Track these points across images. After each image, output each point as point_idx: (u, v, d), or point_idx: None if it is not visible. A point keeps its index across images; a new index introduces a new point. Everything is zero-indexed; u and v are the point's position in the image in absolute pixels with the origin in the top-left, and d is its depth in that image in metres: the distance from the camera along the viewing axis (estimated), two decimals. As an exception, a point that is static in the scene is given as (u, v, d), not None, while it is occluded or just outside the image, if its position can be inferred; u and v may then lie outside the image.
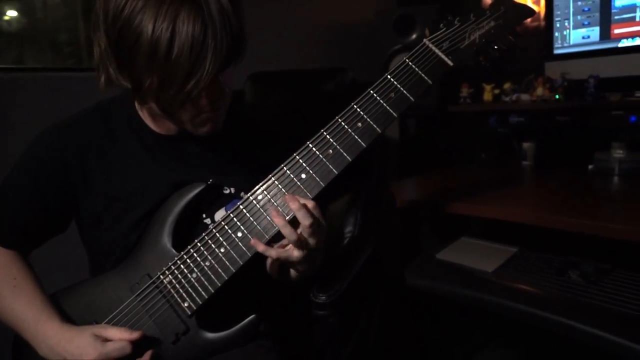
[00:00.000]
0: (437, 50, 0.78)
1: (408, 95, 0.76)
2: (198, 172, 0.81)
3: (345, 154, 0.75)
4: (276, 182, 0.75)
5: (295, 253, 0.72)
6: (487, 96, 1.76)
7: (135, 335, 0.72)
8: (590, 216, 1.03)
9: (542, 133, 1.70)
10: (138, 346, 0.73)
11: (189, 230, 0.79)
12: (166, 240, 0.77)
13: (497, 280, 0.93)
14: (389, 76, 0.78)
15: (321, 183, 0.75)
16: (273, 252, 0.72)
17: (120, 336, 0.72)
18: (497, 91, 1.75)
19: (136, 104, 0.81)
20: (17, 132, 1.31)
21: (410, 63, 0.78)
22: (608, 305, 0.84)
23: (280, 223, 0.71)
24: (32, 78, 1.43)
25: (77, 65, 1.65)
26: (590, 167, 1.57)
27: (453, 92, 1.81)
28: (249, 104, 1.48)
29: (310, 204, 0.72)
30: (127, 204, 0.78)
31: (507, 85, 1.72)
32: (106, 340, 0.72)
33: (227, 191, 0.83)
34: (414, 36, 1.95)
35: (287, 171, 0.75)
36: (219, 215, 0.82)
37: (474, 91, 1.79)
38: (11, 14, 1.48)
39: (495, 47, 0.82)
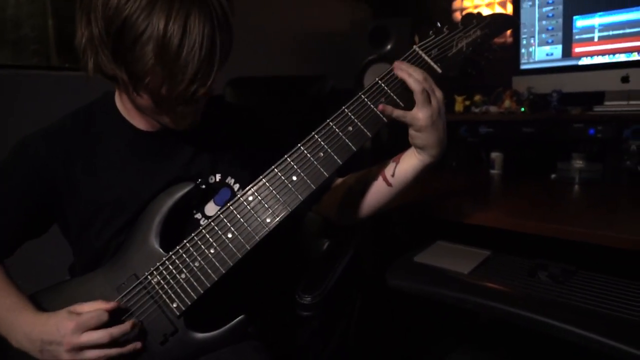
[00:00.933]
0: (426, 57, 0.81)
1: (398, 100, 0.79)
2: (184, 166, 0.80)
3: (336, 157, 0.77)
4: (267, 183, 0.76)
5: (420, 114, 0.74)
6: (458, 107, 1.83)
7: (110, 305, 0.71)
8: (556, 221, 1.10)
9: (509, 143, 1.79)
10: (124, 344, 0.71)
11: (178, 226, 0.78)
12: (154, 241, 0.76)
13: (473, 281, 0.97)
14: (379, 81, 0.80)
15: (312, 185, 0.76)
16: (399, 112, 0.74)
17: (94, 307, 0.70)
18: (467, 102, 1.83)
19: (117, 101, 0.80)
20: None
21: None
22: (575, 303, 0.90)
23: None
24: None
25: (45, 64, 1.59)
26: (552, 176, 1.66)
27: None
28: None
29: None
30: (115, 207, 0.77)
31: (477, 97, 1.80)
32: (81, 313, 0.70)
33: (213, 180, 0.82)
34: (388, 47, 2.01)
35: (278, 173, 0.76)
36: (209, 208, 0.82)
37: (446, 102, 1.85)
38: None
39: (482, 55, 0.86)
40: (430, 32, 0.82)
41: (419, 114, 0.75)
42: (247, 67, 1.62)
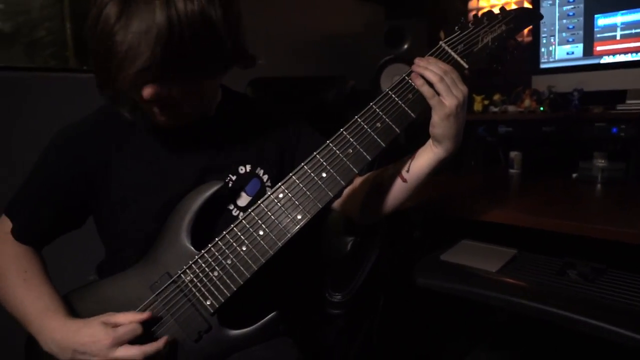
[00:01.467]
0: (452, 53, 0.82)
1: (432, 89, 0.80)
2: (212, 157, 0.81)
3: (365, 154, 0.78)
4: (297, 180, 0.77)
5: (446, 101, 0.75)
6: (477, 107, 1.83)
7: (144, 315, 0.72)
8: (583, 219, 1.09)
9: (529, 143, 1.78)
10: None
11: (211, 218, 0.80)
12: (185, 239, 0.77)
13: (503, 279, 0.97)
14: (406, 77, 0.81)
15: (342, 182, 0.77)
16: (429, 90, 0.76)
17: (129, 319, 0.71)
18: (486, 102, 1.83)
19: None
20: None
21: None
22: (609, 301, 0.89)
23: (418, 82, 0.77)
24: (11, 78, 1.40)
25: (63, 66, 1.63)
26: (574, 175, 1.65)
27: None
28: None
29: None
30: (146, 198, 0.78)
31: (496, 97, 1.80)
32: (116, 325, 0.71)
33: (243, 170, 0.83)
34: (404, 47, 2.02)
35: (308, 170, 0.77)
36: (241, 199, 0.83)
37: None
38: None
39: (508, 50, 0.87)
40: (456, 27, 0.83)
41: (444, 101, 0.76)
42: (266, 67, 1.64)
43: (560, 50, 1.65)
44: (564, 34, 1.62)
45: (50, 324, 0.72)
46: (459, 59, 0.81)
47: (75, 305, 0.77)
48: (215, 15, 0.62)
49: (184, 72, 0.64)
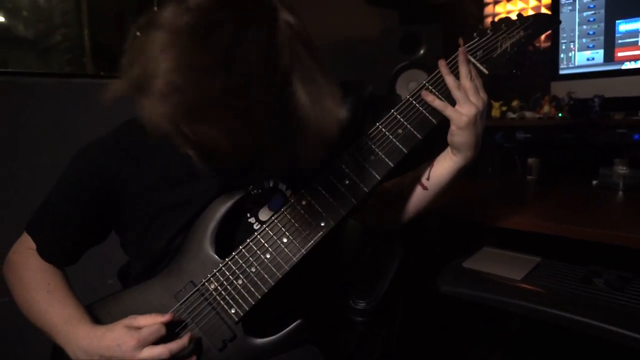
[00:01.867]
0: (472, 59, 0.82)
1: (445, 102, 0.80)
2: (239, 171, 0.79)
3: (387, 160, 0.78)
4: (320, 187, 0.77)
5: (463, 110, 0.76)
6: (495, 113, 1.82)
7: (166, 317, 0.73)
8: (608, 227, 1.08)
9: (547, 149, 1.76)
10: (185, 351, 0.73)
11: (232, 231, 0.80)
12: (209, 247, 0.78)
13: (529, 287, 0.96)
14: (426, 84, 0.81)
15: (365, 189, 0.77)
16: (441, 103, 0.77)
17: (152, 321, 0.72)
18: (504, 108, 1.82)
19: None
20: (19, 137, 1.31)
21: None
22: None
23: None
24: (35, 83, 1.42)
25: (80, 71, 1.66)
26: (594, 182, 1.63)
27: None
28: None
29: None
30: (173, 213, 0.79)
31: (514, 103, 1.79)
32: (139, 327, 0.72)
33: (267, 185, 0.84)
34: (420, 53, 2.03)
35: (331, 177, 0.78)
36: (263, 213, 0.83)
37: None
38: None
39: (527, 55, 0.87)
40: (475, 34, 0.84)
41: (462, 109, 0.77)
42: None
43: (580, 56, 1.64)
44: (584, 40, 1.61)
45: (76, 332, 0.74)
46: (478, 65, 0.82)
47: (100, 315, 0.78)
48: None
49: None
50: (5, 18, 1.51)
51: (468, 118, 0.77)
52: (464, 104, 0.77)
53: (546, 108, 1.69)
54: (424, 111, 0.80)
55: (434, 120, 0.80)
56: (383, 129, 0.79)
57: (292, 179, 0.85)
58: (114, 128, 0.84)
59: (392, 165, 0.78)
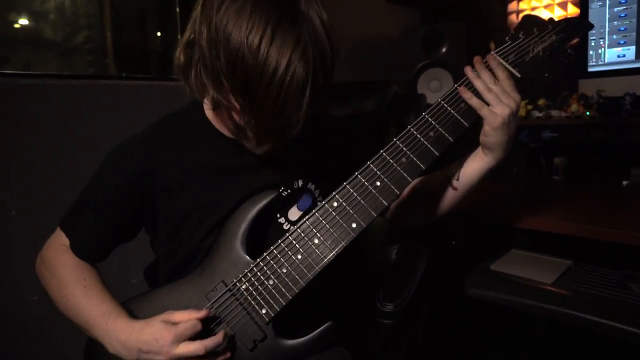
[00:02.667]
0: (504, 62, 0.82)
1: (482, 101, 0.80)
2: (270, 173, 0.83)
3: (418, 162, 0.79)
4: (351, 189, 0.78)
5: (497, 110, 0.76)
6: (520, 111, 1.79)
7: (202, 313, 0.75)
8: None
9: (575, 149, 1.74)
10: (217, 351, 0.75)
11: (261, 230, 0.82)
12: (240, 248, 0.79)
13: (560, 291, 0.95)
14: (457, 87, 0.81)
15: (396, 191, 0.78)
16: (478, 102, 0.77)
17: (188, 317, 0.74)
18: (530, 107, 1.80)
19: (206, 109, 0.84)
20: (31, 139, 1.34)
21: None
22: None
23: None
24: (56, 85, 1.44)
25: (103, 73, 1.70)
26: (624, 182, 1.60)
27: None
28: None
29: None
30: (204, 212, 0.81)
31: (541, 102, 1.77)
32: (175, 323, 0.73)
33: (297, 185, 0.85)
34: (442, 51, 2.02)
35: (362, 179, 0.78)
36: (292, 213, 0.85)
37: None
38: (22, 22, 1.53)
39: (559, 59, 0.87)
40: (506, 37, 0.84)
41: (496, 110, 0.77)
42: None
43: (611, 53, 1.61)
44: (614, 36, 1.58)
45: (115, 326, 0.76)
46: (511, 68, 0.82)
47: (133, 313, 0.80)
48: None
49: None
50: (30, 21, 1.55)
51: (502, 118, 0.77)
52: (496, 105, 0.77)
53: (574, 106, 1.67)
54: (455, 114, 0.80)
55: (465, 123, 0.80)
56: (415, 132, 0.80)
57: (320, 178, 0.86)
58: (146, 127, 0.86)
59: (424, 168, 0.79)
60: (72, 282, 0.82)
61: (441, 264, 1.18)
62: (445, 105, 0.81)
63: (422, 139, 0.79)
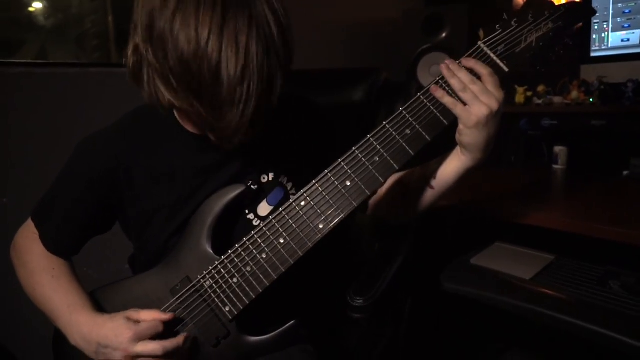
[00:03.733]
0: (491, 55, 0.74)
1: (455, 99, 0.73)
2: (238, 167, 0.78)
3: (392, 162, 0.73)
4: (320, 188, 0.73)
5: (473, 109, 0.69)
6: (519, 98, 1.71)
7: (166, 316, 0.72)
8: (631, 225, 1.00)
9: (575, 137, 1.65)
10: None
11: (230, 226, 0.78)
12: (206, 244, 0.75)
13: (536, 288, 0.90)
14: (440, 80, 0.74)
15: (367, 191, 0.73)
16: (451, 100, 0.70)
17: (152, 317, 0.72)
18: (529, 93, 1.70)
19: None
20: (36, 129, 1.31)
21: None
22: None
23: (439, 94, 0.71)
24: (54, 73, 1.41)
25: (105, 59, 1.63)
26: (625, 172, 1.52)
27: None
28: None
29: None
30: (173, 208, 0.77)
31: (541, 88, 1.67)
32: (138, 321, 0.71)
33: (265, 179, 0.80)
34: (443, 35, 1.91)
35: (332, 177, 0.73)
36: (262, 208, 0.80)
37: (506, 92, 1.74)
38: (36, 5, 1.47)
39: (553, 51, 0.79)
40: (497, 26, 0.75)
41: (472, 109, 0.70)
42: (295, 60, 1.59)
43: (614, 37, 1.50)
44: (619, 19, 1.47)
45: (78, 318, 0.74)
46: (498, 61, 0.74)
47: (101, 302, 0.78)
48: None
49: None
50: (43, 3, 1.49)
51: (477, 118, 0.70)
52: (474, 105, 0.70)
53: (575, 93, 1.57)
54: (435, 110, 0.73)
55: (445, 121, 0.73)
56: (390, 129, 0.73)
57: (295, 171, 0.81)
58: (116, 120, 0.81)
59: (397, 168, 0.73)
60: (40, 272, 0.79)
61: (426, 258, 1.13)
62: (425, 101, 0.74)
63: (397, 136, 0.73)
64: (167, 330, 0.73)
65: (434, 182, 0.82)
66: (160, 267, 0.78)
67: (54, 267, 0.80)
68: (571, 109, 1.59)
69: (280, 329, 0.74)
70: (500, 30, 0.75)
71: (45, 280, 0.78)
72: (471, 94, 0.70)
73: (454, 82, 0.71)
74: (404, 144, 0.73)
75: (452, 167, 0.79)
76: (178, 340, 0.71)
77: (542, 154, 1.73)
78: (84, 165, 0.78)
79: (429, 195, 0.83)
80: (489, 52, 0.74)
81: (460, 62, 0.73)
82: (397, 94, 1.36)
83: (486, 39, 0.75)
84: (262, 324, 0.76)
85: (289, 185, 0.82)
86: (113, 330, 0.70)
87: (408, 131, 0.73)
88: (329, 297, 0.89)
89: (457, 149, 0.78)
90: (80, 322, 0.73)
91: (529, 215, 1.06)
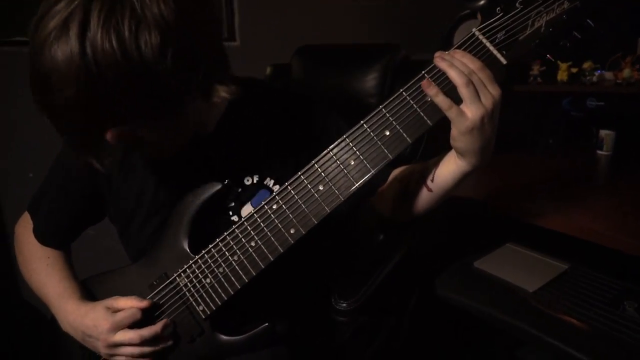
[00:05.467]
0: (487, 44, 0.63)
1: (449, 99, 0.64)
2: (218, 169, 0.75)
3: (368, 166, 0.65)
4: (292, 192, 0.68)
5: (468, 112, 0.60)
6: (562, 75, 1.50)
7: (143, 303, 0.72)
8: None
9: (626, 121, 1.44)
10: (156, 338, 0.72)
11: (213, 227, 0.74)
12: (182, 241, 0.73)
13: (536, 305, 0.79)
14: (425, 75, 0.65)
15: (340, 197, 0.66)
16: (444, 100, 0.60)
17: (130, 304, 0.72)
18: (574, 70, 1.49)
19: None
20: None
21: None
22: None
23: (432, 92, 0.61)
24: None
25: None
26: (680, 162, 1.31)
27: (522, 70, 1.57)
28: (296, 80, 1.40)
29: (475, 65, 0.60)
30: (151, 208, 0.76)
31: (587, 65, 1.46)
32: (117, 310, 0.72)
33: (249, 181, 0.76)
34: (481, 1, 1.71)
35: (305, 181, 0.67)
36: (246, 211, 0.76)
37: (547, 69, 1.54)
38: None
39: (567, 37, 0.66)
40: (498, 9, 0.64)
41: (466, 112, 0.60)
42: (317, 33, 1.50)
43: (682, 6, 1.26)
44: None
45: (66, 307, 0.76)
46: (495, 52, 0.63)
47: (90, 291, 0.80)
48: (146, 53, 0.49)
49: (131, 113, 0.54)
50: None
51: (472, 123, 0.60)
52: (471, 104, 0.60)
53: (627, 71, 1.36)
54: (418, 109, 0.64)
55: (429, 122, 0.64)
56: (368, 129, 0.66)
57: (284, 172, 0.76)
58: None
59: (374, 172, 0.66)
60: (36, 260, 0.81)
61: (431, 255, 1.05)
62: (408, 98, 0.65)
63: (375, 137, 0.65)
64: (146, 319, 0.73)
65: (432, 185, 0.73)
66: (141, 262, 0.77)
67: (48, 255, 0.81)
68: (622, 89, 1.38)
69: (252, 332, 0.72)
70: (500, 14, 0.63)
71: (40, 269, 0.80)
72: (472, 91, 0.59)
73: (453, 74, 0.60)
74: (382, 146, 0.65)
75: (448, 170, 0.70)
76: (156, 328, 0.71)
77: (585, 138, 1.54)
78: (68, 163, 0.78)
79: (427, 198, 0.76)
80: (484, 41, 0.63)
81: (464, 44, 0.62)
82: (415, 73, 1.24)
83: (482, 25, 0.64)
84: (239, 323, 0.74)
85: (276, 188, 0.77)
86: (93, 320, 0.72)
87: (387, 132, 0.65)
88: (317, 296, 0.86)
89: (453, 152, 0.69)
90: (68, 311, 0.75)
91: (545, 217, 0.93)
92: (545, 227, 0.93)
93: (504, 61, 0.63)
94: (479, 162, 0.66)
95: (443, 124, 0.66)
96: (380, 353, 0.94)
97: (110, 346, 0.71)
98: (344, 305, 0.81)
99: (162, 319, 0.74)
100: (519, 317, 0.77)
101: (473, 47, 0.63)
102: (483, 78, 0.60)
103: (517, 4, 0.63)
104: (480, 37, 0.63)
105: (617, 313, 0.77)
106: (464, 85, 0.60)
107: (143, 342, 0.70)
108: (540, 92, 1.61)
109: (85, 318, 0.72)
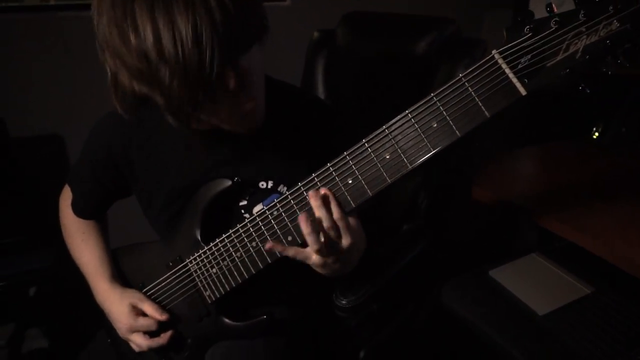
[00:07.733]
0: (507, 70, 0.55)
1: (453, 126, 0.58)
2: (234, 168, 0.76)
3: (366, 187, 0.64)
4: (292, 202, 0.67)
5: (314, 258, 0.64)
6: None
7: (163, 316, 0.79)
8: None
9: None
10: (167, 320, 0.81)
11: (226, 222, 0.78)
12: (196, 230, 0.78)
13: (541, 332, 0.75)
14: (435, 98, 0.59)
15: (351, 203, 0.65)
16: (290, 252, 0.65)
17: (151, 313, 0.80)
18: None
19: None
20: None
21: (465, 82, 0.57)
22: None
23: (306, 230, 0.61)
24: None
25: None
26: None
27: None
28: (340, 47, 1.34)
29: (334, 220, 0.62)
30: (170, 195, 0.79)
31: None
32: (140, 312, 0.80)
33: (264, 185, 0.78)
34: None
35: (304, 192, 0.67)
36: (257, 210, 0.78)
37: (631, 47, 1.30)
38: None
39: (610, 63, 0.56)
40: (527, 27, 0.54)
41: (312, 256, 0.64)
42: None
43: None
44: None
45: (98, 285, 0.85)
46: (515, 80, 0.55)
47: (120, 262, 0.88)
48: None
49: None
50: None
51: (315, 264, 0.65)
52: (316, 251, 0.62)
53: None
54: (378, 164, 0.61)
55: (388, 179, 0.62)
56: (369, 149, 0.63)
57: (291, 177, 0.76)
58: None
59: (371, 195, 0.63)
60: (74, 234, 0.89)
61: (449, 258, 1.01)
62: (370, 150, 0.62)
63: (340, 183, 0.64)
64: (160, 304, 0.82)
65: None
66: (162, 242, 0.83)
67: (83, 230, 0.89)
68: None
69: (249, 321, 0.77)
70: (529, 34, 0.54)
71: (77, 244, 0.88)
72: (316, 239, 0.61)
73: (303, 222, 0.60)
74: (382, 170, 0.63)
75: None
76: (162, 340, 0.80)
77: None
78: (96, 142, 0.82)
79: None
80: (504, 66, 0.55)
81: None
82: (464, 52, 1.13)
83: (505, 48, 0.55)
84: (244, 307, 0.80)
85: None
86: (117, 314, 0.81)
87: (350, 181, 0.63)
88: (319, 289, 0.88)
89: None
90: (98, 290, 0.84)
91: (583, 234, 0.84)
92: (563, 238, 0.85)
93: (523, 92, 0.55)
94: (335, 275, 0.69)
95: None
96: (378, 348, 0.96)
97: (125, 337, 0.82)
98: (344, 302, 0.83)
99: (175, 298, 0.82)
100: (517, 345, 0.73)
101: (489, 73, 0.56)
102: (340, 227, 0.62)
103: (551, 23, 0.54)
104: (500, 61, 0.55)
105: (629, 355, 0.70)
106: (308, 233, 0.60)
107: (148, 349, 0.82)
108: (623, 75, 1.38)
109: (113, 307, 0.82)
